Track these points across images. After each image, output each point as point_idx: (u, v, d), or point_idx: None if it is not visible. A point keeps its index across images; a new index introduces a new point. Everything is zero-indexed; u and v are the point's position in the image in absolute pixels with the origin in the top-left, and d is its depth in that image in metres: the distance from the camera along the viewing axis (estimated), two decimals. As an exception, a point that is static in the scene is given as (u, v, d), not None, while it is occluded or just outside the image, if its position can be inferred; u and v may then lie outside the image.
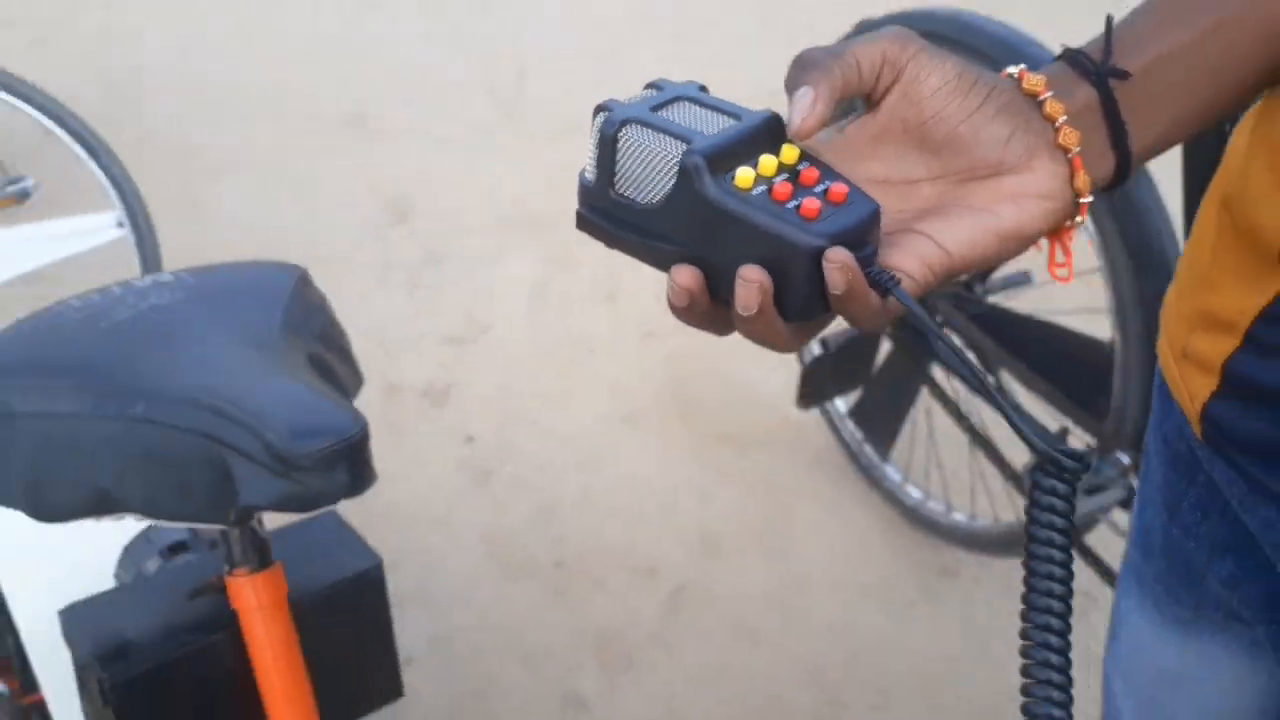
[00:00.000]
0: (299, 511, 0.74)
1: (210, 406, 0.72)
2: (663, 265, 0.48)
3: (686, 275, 0.46)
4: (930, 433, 1.90)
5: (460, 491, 2.05)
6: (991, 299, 1.74)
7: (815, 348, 1.78)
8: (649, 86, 0.52)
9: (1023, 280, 1.77)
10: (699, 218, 0.46)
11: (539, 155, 3.10)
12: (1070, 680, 0.42)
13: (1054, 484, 0.43)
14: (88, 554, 1.07)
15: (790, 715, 1.68)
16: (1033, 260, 1.16)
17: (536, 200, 2.89)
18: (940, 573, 1.86)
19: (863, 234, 0.46)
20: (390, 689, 0.99)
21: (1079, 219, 0.51)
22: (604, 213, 0.50)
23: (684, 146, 0.46)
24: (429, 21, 4.09)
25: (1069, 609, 0.43)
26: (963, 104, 0.48)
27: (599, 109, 0.49)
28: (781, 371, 2.16)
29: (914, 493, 1.90)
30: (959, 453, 1.87)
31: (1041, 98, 0.49)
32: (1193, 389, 0.59)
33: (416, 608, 1.82)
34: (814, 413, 2.06)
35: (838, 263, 0.43)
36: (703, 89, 0.51)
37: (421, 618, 1.81)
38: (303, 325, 0.85)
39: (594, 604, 1.84)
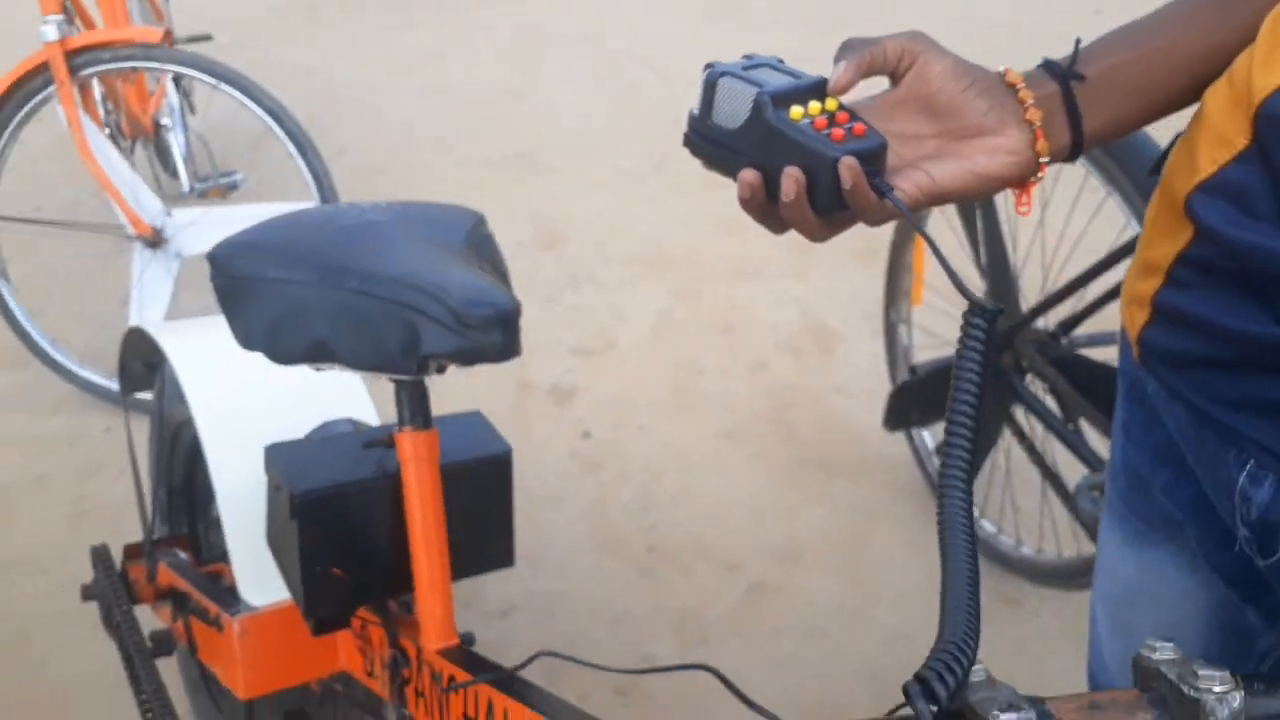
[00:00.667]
0: (465, 364, 0.97)
1: (407, 283, 0.96)
2: (733, 172, 0.70)
3: (750, 175, 0.68)
4: (1007, 471, 2.04)
5: (572, 477, 2.28)
6: (1079, 351, 1.89)
7: (902, 375, 1.95)
8: (744, 56, 0.74)
9: (1107, 339, 1.91)
10: (762, 137, 0.68)
11: (678, 203, 3.37)
12: (973, 454, 0.60)
13: (977, 320, 0.62)
14: (280, 430, 1.33)
15: (845, 705, 1.82)
16: (1113, 320, 1.35)
17: (671, 241, 3.15)
18: (1004, 601, 1.98)
19: (873, 157, 0.67)
20: (503, 557, 1.20)
21: (1040, 175, 0.71)
22: (701, 136, 0.71)
23: (757, 90, 0.68)
24: (601, 81, 4.46)
25: (978, 404, 0.60)
26: (957, 84, 0.69)
27: (707, 66, 0.71)
28: (876, 411, 2.33)
29: (988, 526, 2.04)
30: (1030, 490, 2.01)
31: (1017, 87, 0.70)
32: (1134, 322, 0.76)
33: (524, 566, 2.04)
34: (903, 448, 2.22)
35: (847, 165, 0.65)
36: (780, 60, 0.73)
37: (527, 575, 2.03)
38: (477, 246, 1.10)
39: (677, 586, 2.03)
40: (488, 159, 3.79)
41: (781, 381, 2.56)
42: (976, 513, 2.07)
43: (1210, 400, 0.68)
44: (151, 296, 2.51)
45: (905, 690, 0.46)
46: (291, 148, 2.45)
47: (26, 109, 2.42)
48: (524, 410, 2.48)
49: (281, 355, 1.03)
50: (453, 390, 2.55)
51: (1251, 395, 0.66)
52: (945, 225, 2.05)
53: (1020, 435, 1.94)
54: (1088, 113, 0.70)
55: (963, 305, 0.63)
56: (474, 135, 3.98)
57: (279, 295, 1.02)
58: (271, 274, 1.02)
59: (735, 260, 3.10)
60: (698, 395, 2.54)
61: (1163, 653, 0.48)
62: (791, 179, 0.66)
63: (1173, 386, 0.72)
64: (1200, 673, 0.45)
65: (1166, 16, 0.72)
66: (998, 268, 1.93)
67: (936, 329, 2.24)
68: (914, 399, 1.96)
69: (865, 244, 3.10)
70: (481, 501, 1.16)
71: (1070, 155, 0.72)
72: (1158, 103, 0.71)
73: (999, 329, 1.89)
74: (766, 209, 0.70)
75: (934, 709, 0.44)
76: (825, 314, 2.84)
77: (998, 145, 0.69)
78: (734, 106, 0.69)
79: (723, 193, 3.42)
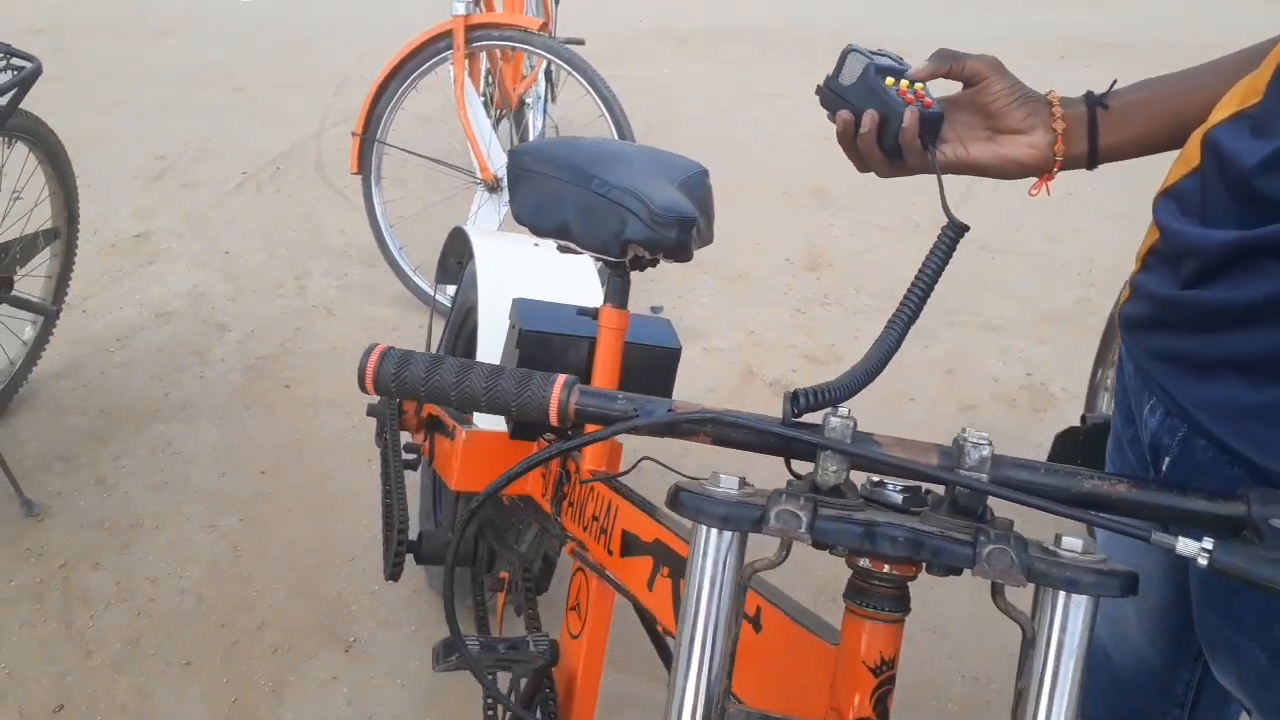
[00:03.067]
0: (650, 251, 1.34)
1: (628, 191, 1.34)
2: (836, 112, 1.01)
3: (846, 115, 1.00)
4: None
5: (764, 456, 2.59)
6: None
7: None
8: (877, 49, 1.06)
9: None
10: (863, 91, 0.99)
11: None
12: (919, 308, 0.87)
13: (949, 232, 0.90)
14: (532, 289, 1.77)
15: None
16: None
17: (926, 286, 3.38)
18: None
19: (931, 122, 0.97)
20: (659, 429, 1.56)
21: (1055, 171, 0.98)
22: (828, 88, 1.03)
23: (869, 61, 1.00)
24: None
25: (932, 284, 0.87)
26: (1009, 99, 0.97)
27: (848, 45, 1.04)
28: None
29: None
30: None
31: (1053, 103, 0.97)
32: (1122, 300, 1.00)
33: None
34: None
35: (910, 113, 0.95)
36: (901, 59, 1.04)
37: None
38: (692, 187, 1.46)
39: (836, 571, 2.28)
40: (789, 188, 4.18)
41: (986, 426, 2.74)
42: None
43: (1143, 354, 0.90)
44: (481, 228, 3.10)
45: (784, 395, 0.75)
46: (613, 132, 2.95)
47: (427, 65, 3.08)
48: (743, 392, 2.83)
49: (539, 229, 1.45)
50: (692, 367, 2.94)
51: (1162, 347, 0.88)
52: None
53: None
54: (1105, 132, 0.96)
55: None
56: (783, 166, 4.38)
57: (546, 186, 1.44)
58: (544, 170, 1.45)
59: (982, 314, 3.28)
60: (900, 418, 2.77)
61: (972, 434, 0.70)
62: (869, 116, 0.97)
63: (1128, 346, 0.95)
64: (971, 431, 0.71)
65: (1193, 72, 0.96)
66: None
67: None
68: (1079, 446, 2.10)
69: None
70: (649, 378, 1.52)
71: (1088, 163, 0.98)
72: (1166, 136, 0.95)
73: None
74: (852, 142, 1.00)
75: (794, 411, 0.73)
76: (1051, 379, 2.97)
77: (1024, 140, 0.97)
78: (853, 71, 1.00)
79: (1001, 258, 3.59)
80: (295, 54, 5.78)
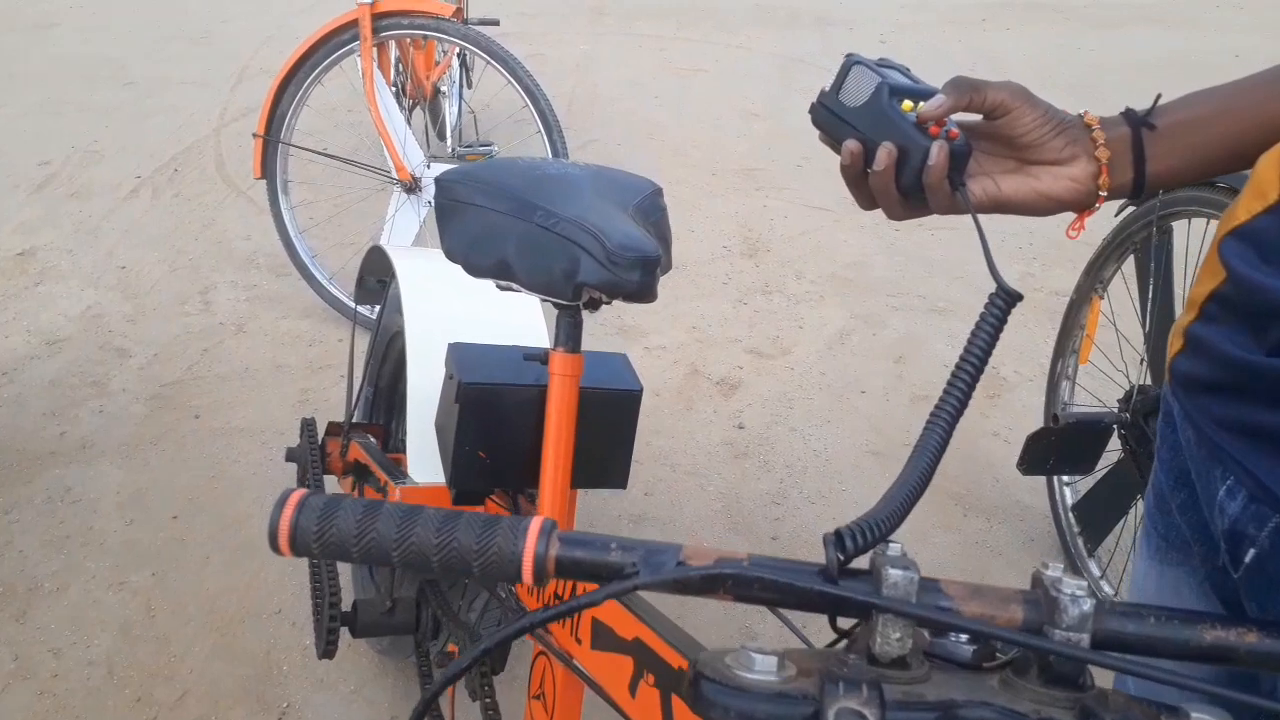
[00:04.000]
0: (610, 297, 1.17)
1: (577, 223, 1.18)
2: (840, 139, 0.85)
3: (854, 145, 0.84)
4: (1135, 538, 2.05)
5: (718, 459, 2.46)
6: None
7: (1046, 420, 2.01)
8: (880, 58, 0.90)
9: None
10: (874, 117, 0.83)
11: (888, 236, 3.48)
12: (965, 400, 0.73)
13: (999, 300, 0.76)
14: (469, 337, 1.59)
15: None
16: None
17: (870, 269, 3.27)
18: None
19: (960, 158, 0.82)
20: (618, 479, 1.40)
21: (1097, 206, 0.84)
22: (826, 107, 0.87)
23: (881, 79, 0.84)
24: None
25: (981, 367, 0.74)
26: (1042, 130, 0.82)
27: (848, 55, 0.88)
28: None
29: (1106, 588, 2.06)
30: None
31: (1092, 127, 0.83)
32: (1171, 350, 0.87)
33: (655, 527, 2.24)
34: (1042, 499, 2.27)
35: (939, 146, 0.79)
36: (908, 69, 0.89)
37: (655, 534, 2.23)
38: (647, 210, 1.30)
39: (792, 575, 2.17)
40: (718, 168, 4.03)
41: (941, 418, 2.64)
42: (1098, 572, 2.10)
43: (1209, 421, 0.77)
44: (400, 233, 2.89)
45: (824, 539, 0.58)
46: (539, 125, 2.76)
47: (333, 58, 2.84)
48: (689, 393, 2.68)
49: (475, 268, 1.28)
50: (634, 365, 2.78)
51: (1237, 417, 0.74)
52: (1122, 288, 2.10)
53: (1154, 505, 1.96)
54: (1153, 157, 0.81)
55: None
56: (711, 146, 4.23)
57: (481, 219, 1.26)
58: (479, 201, 1.27)
59: (928, 297, 3.19)
60: (854, 412, 2.66)
61: (1053, 570, 0.56)
62: (885, 150, 0.81)
63: (1186, 409, 0.80)
64: (1066, 579, 0.55)
65: (1251, 82, 0.82)
66: (1160, 334, 1.97)
67: (1098, 389, 2.27)
68: (1052, 447, 2.02)
69: (1061, 303, 3.12)
70: (609, 426, 1.37)
71: (1133, 193, 0.83)
72: (1223, 158, 0.81)
73: (1150, 395, 1.93)
74: (860, 178, 0.84)
75: (840, 557, 0.56)
76: (1002, 362, 2.89)
77: (1064, 173, 0.81)
78: (859, 89, 0.84)
79: (943, 235, 3.50)
80: (189, 45, 5.43)
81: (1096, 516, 2.11)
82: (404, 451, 1.79)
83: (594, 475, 1.40)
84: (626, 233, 1.18)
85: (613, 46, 5.57)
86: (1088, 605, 0.56)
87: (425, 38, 3.18)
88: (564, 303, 1.24)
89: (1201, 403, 0.78)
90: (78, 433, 2.52)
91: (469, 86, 4.05)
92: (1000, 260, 3.47)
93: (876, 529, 0.60)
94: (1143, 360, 1.98)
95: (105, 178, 3.83)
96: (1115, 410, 1.97)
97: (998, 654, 0.60)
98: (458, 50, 3.75)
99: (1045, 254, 3.49)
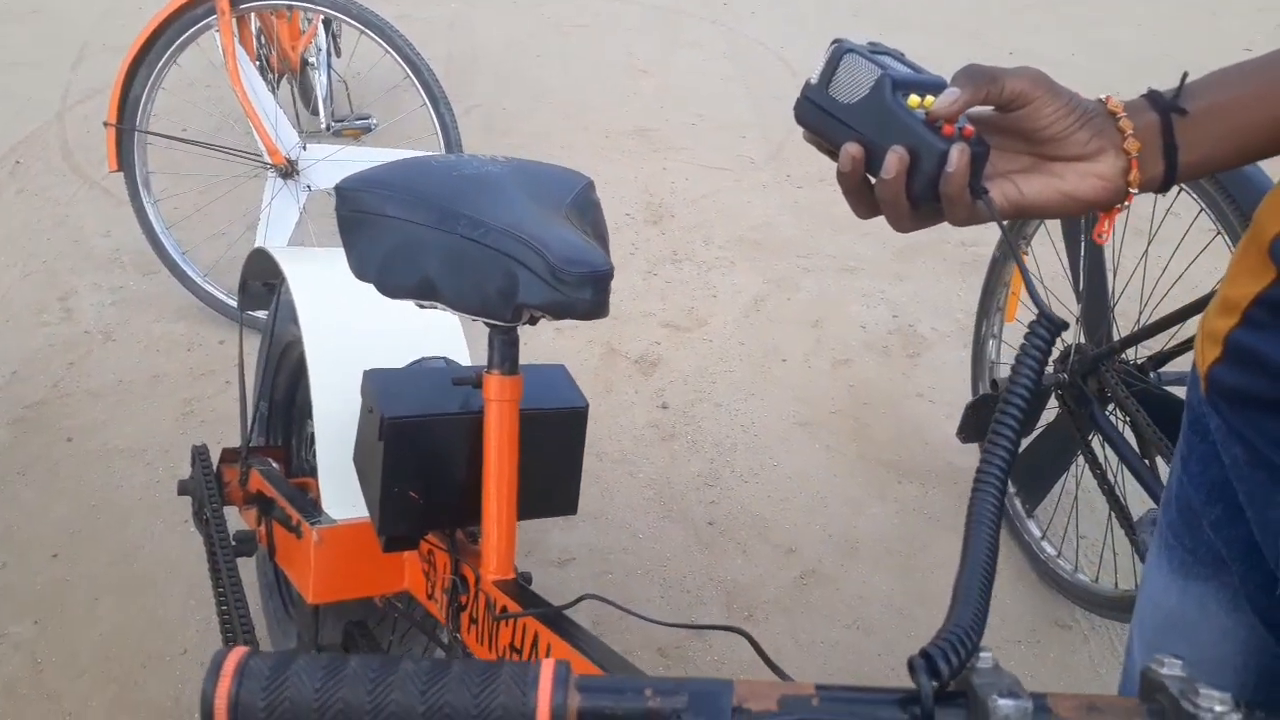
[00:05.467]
0: (556, 317, 1.04)
1: (513, 235, 1.04)
2: (837, 143, 0.73)
3: (854, 149, 0.72)
4: (1075, 498, 2.04)
5: (645, 443, 2.35)
6: (1166, 388, 1.88)
7: (983, 388, 1.97)
8: (870, 42, 0.78)
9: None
10: (876, 116, 0.71)
11: (790, 193, 3.40)
12: (1012, 456, 0.64)
13: (1041, 331, 0.66)
14: (381, 360, 1.43)
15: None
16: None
17: (777, 230, 3.19)
18: (1053, 623, 1.99)
19: (979, 161, 0.70)
20: (568, 505, 1.28)
21: (1126, 204, 0.74)
22: (815, 105, 0.75)
23: (881, 71, 0.71)
24: (730, 67, 4.49)
25: (1026, 410, 0.65)
26: (1065, 121, 0.70)
27: (835, 41, 0.75)
28: (954, 421, 2.34)
29: (1048, 549, 2.04)
30: (1096, 519, 2.01)
31: (1118, 116, 0.73)
32: (1205, 357, 0.78)
33: (587, 522, 2.13)
34: (974, 461, 2.23)
35: (959, 149, 0.68)
36: (903, 54, 0.77)
37: (589, 531, 2.12)
38: (583, 209, 1.16)
39: (732, 561, 2.09)
40: (611, 130, 3.88)
41: (864, 379, 2.59)
42: (1039, 533, 2.08)
43: (1267, 441, 0.69)
44: (278, 223, 2.67)
45: (910, 664, 0.47)
46: (424, 98, 2.57)
47: (187, 34, 2.58)
48: (608, 375, 2.56)
49: (391, 289, 1.12)
50: (545, 347, 2.65)
51: None
52: (1050, 245, 2.06)
53: (1094, 463, 1.94)
54: (1186, 146, 0.71)
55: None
56: (602, 106, 4.07)
57: (395, 232, 1.10)
58: (391, 211, 1.11)
59: (838, 256, 3.13)
60: (778, 382, 2.58)
61: (1170, 668, 0.48)
62: (895, 156, 0.69)
63: (1233, 424, 0.72)
64: (1202, 691, 0.46)
65: None
66: (1095, 294, 1.93)
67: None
68: (991, 414, 1.97)
69: (970, 254, 3.10)
70: (554, 449, 1.24)
71: (1162, 186, 0.73)
72: (1262, 144, 0.72)
73: (1088, 355, 1.90)
74: (861, 186, 0.73)
75: (935, 684, 0.46)
76: (918, 319, 2.85)
77: (1090, 169, 0.71)
78: (854, 82, 0.72)
79: (837, 190, 3.44)
80: (16, 22, 4.96)
81: (1034, 477, 2.08)
82: (310, 474, 1.63)
83: (541, 504, 1.27)
84: (569, 242, 1.04)
85: (485, 4, 5.31)
86: (1237, 720, 0.46)
87: (289, 8, 2.93)
88: (502, 324, 1.10)
89: (1257, 420, 0.70)
90: (-69, 470, 2.25)
91: (337, 55, 3.79)
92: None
93: (967, 641, 0.50)
94: (1077, 319, 1.94)
95: (-64, 174, 3.46)
96: (1053, 371, 1.94)
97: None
98: (323, 17, 3.49)
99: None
